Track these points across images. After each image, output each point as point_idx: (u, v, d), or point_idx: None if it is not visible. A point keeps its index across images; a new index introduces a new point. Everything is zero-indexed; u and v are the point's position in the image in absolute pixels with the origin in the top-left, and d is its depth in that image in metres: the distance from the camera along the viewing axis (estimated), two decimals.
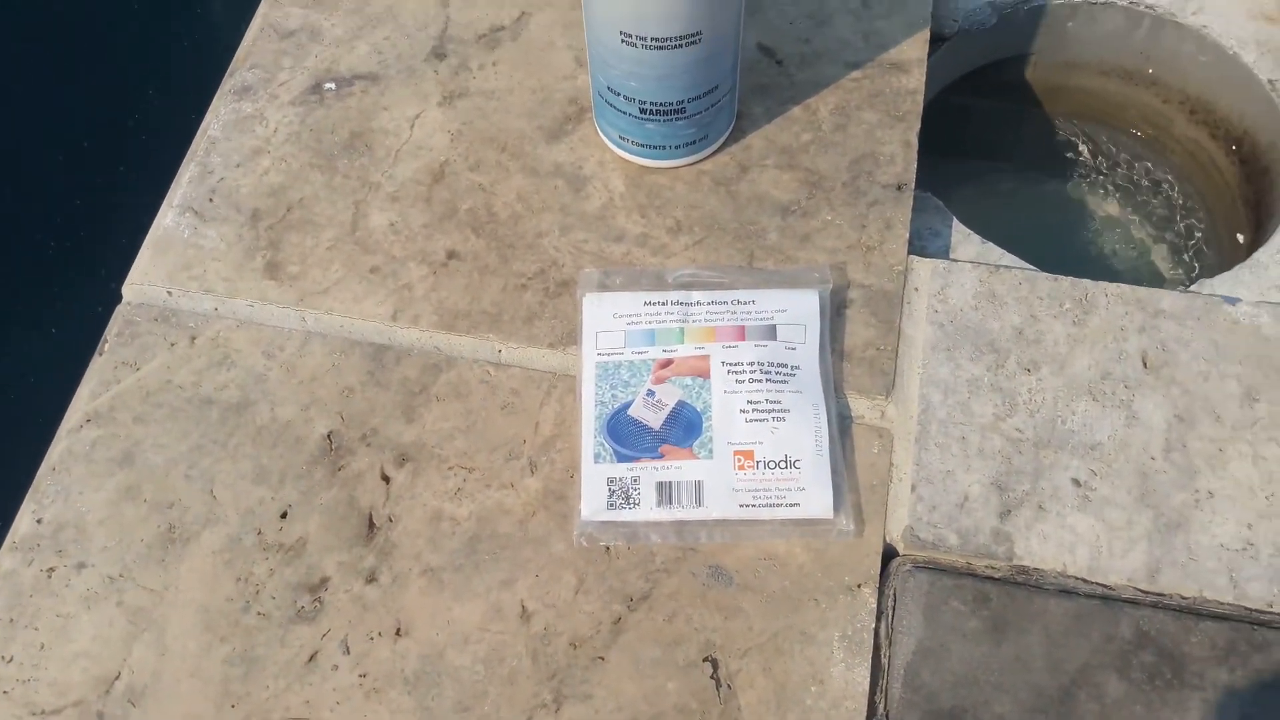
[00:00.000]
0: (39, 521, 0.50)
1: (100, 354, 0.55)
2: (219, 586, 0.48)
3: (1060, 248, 0.79)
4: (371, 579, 0.48)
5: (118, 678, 0.46)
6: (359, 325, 0.55)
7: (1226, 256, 0.72)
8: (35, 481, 0.52)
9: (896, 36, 0.61)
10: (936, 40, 0.68)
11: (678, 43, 0.49)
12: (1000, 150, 0.82)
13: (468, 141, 0.60)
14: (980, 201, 0.81)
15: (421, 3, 0.65)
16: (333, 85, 0.62)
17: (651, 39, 0.49)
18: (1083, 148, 0.80)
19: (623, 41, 0.50)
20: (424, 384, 0.53)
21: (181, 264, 0.57)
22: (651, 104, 0.53)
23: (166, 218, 0.58)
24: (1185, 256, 0.77)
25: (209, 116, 0.62)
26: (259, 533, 0.49)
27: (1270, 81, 0.66)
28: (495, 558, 0.48)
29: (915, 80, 0.60)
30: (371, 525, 0.50)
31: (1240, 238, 0.71)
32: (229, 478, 0.51)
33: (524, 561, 0.48)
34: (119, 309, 0.56)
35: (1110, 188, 0.80)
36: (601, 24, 0.50)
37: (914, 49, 0.61)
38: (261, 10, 0.66)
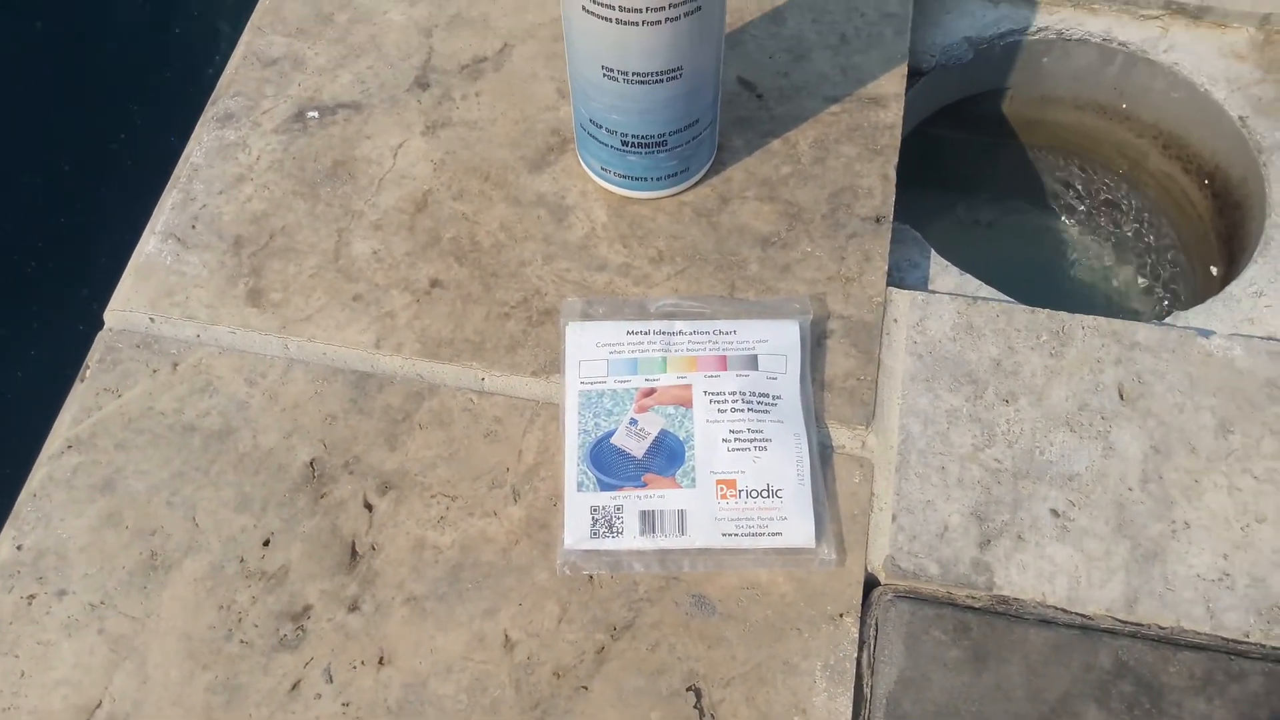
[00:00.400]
0: (19, 548, 0.50)
1: (82, 380, 0.55)
2: (201, 614, 0.48)
3: (1037, 279, 0.80)
4: (354, 607, 0.48)
5: (99, 706, 0.46)
6: (342, 353, 0.55)
7: (1200, 289, 0.74)
8: (15, 508, 0.51)
9: (874, 71, 0.62)
10: (914, 74, 0.69)
11: (659, 78, 0.50)
12: (978, 182, 0.83)
13: (451, 171, 0.60)
14: (958, 232, 0.82)
15: (404, 33, 0.65)
16: (316, 114, 0.62)
17: (633, 74, 0.50)
18: (1059, 180, 0.81)
19: (605, 76, 0.50)
20: (407, 412, 0.53)
21: (164, 290, 0.57)
22: (633, 137, 0.54)
23: (149, 244, 0.58)
24: (1160, 288, 0.78)
25: (191, 144, 0.62)
26: (241, 560, 0.49)
27: (1240, 118, 0.68)
28: (478, 586, 0.48)
29: (893, 114, 0.61)
30: (354, 553, 0.49)
31: (1214, 270, 0.73)
32: (211, 505, 0.51)
33: (507, 590, 0.48)
34: (101, 335, 0.56)
35: (1086, 219, 0.81)
36: (584, 58, 0.51)
37: (892, 84, 0.62)
38: (245, 38, 0.66)
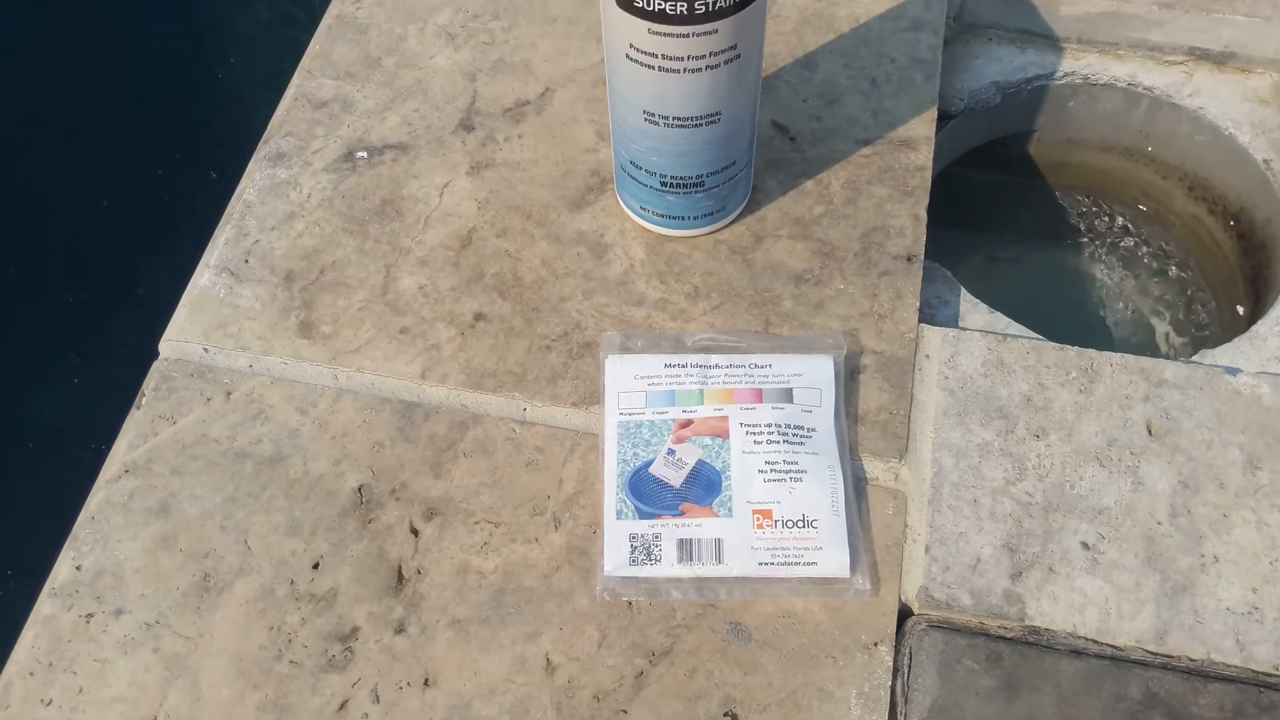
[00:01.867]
0: (78, 568, 0.52)
1: (138, 407, 0.57)
2: (252, 635, 0.49)
3: (1066, 316, 0.81)
4: (400, 630, 0.49)
5: None
6: (389, 383, 0.56)
7: (1228, 327, 0.74)
8: (74, 530, 0.53)
9: (905, 115, 0.64)
10: (944, 117, 0.71)
11: (698, 122, 0.52)
12: (1007, 221, 0.85)
13: (494, 209, 0.62)
14: (988, 270, 0.84)
15: (450, 78, 0.68)
16: (365, 154, 0.65)
17: (674, 118, 0.52)
18: (1086, 220, 0.83)
19: (646, 120, 0.52)
20: (451, 440, 0.55)
21: (217, 322, 0.59)
22: (672, 178, 0.56)
23: (203, 277, 0.61)
24: (1188, 327, 0.79)
25: (244, 181, 0.65)
26: (291, 583, 0.51)
27: (1265, 161, 0.69)
28: (520, 611, 0.50)
29: (923, 156, 0.63)
30: (401, 577, 0.51)
31: (1240, 309, 0.74)
32: (263, 529, 0.53)
33: (548, 615, 0.50)
34: (156, 364, 0.58)
35: (1114, 259, 0.83)
36: (626, 103, 0.53)
37: (922, 127, 0.64)
38: (295, 81, 0.69)
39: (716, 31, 0.48)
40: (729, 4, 0.47)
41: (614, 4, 0.48)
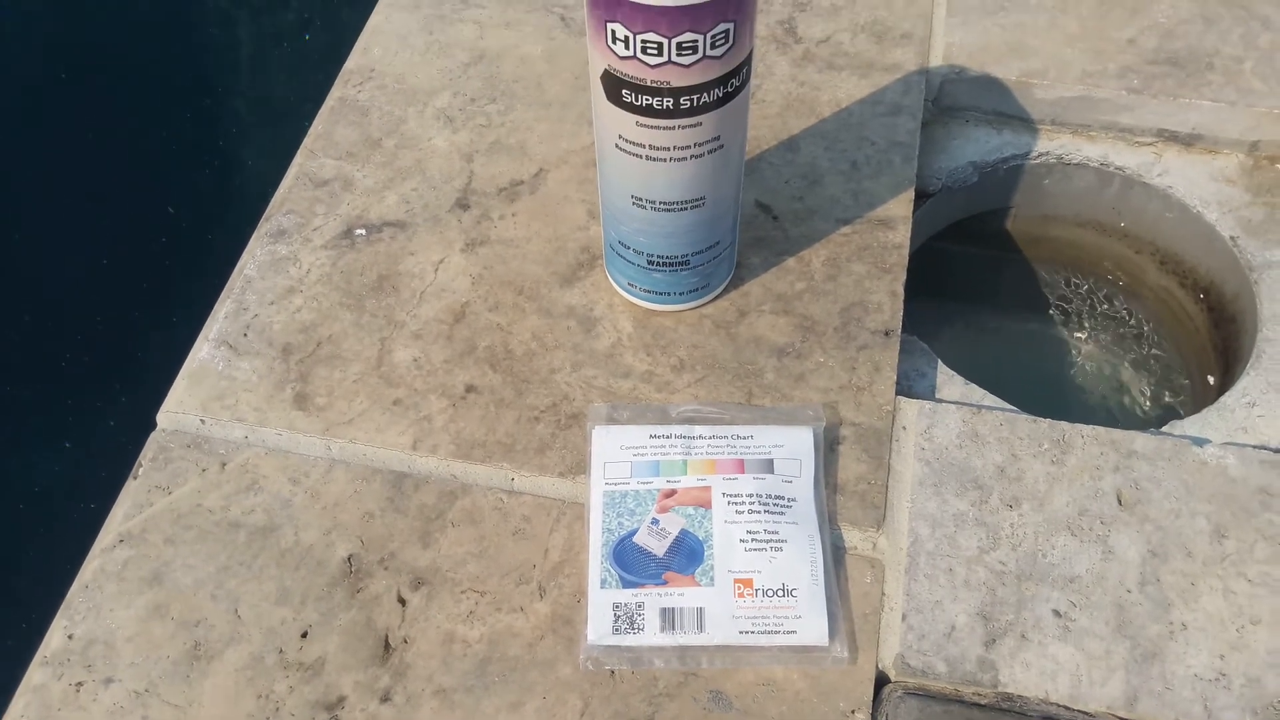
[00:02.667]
0: (70, 637, 0.53)
1: (135, 478, 0.58)
2: (240, 703, 0.50)
3: (1042, 385, 0.83)
4: (386, 698, 0.50)
5: None
6: (381, 454, 0.58)
7: (1199, 397, 0.76)
8: (68, 598, 0.54)
9: (883, 195, 0.67)
10: (923, 196, 0.74)
11: (683, 206, 0.54)
12: (986, 293, 0.87)
13: (488, 285, 0.64)
14: (967, 340, 0.86)
15: (447, 158, 0.70)
16: (363, 231, 0.67)
17: (660, 202, 0.54)
18: (1061, 292, 0.85)
19: (633, 204, 0.55)
20: (440, 510, 0.56)
21: (215, 394, 0.61)
22: (658, 257, 0.58)
23: (202, 350, 0.63)
24: (1160, 397, 0.81)
25: (245, 257, 0.67)
26: (280, 651, 0.52)
27: (1232, 238, 0.71)
28: (504, 680, 0.51)
29: (901, 235, 0.65)
30: (387, 646, 0.52)
31: (1211, 380, 0.76)
32: (253, 598, 0.54)
33: (531, 684, 0.51)
34: (154, 435, 0.60)
35: (1089, 330, 0.85)
36: (614, 188, 0.55)
37: (899, 207, 0.66)
38: (298, 160, 0.71)
39: (700, 124, 0.50)
40: (712, 99, 0.49)
41: (604, 98, 0.50)
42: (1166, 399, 0.81)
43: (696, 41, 0.46)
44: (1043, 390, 0.83)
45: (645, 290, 0.61)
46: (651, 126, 0.50)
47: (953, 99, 0.76)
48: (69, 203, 1.47)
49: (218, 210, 1.39)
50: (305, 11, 1.69)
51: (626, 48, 0.47)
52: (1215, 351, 0.76)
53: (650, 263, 0.59)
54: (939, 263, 0.81)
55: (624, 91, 0.49)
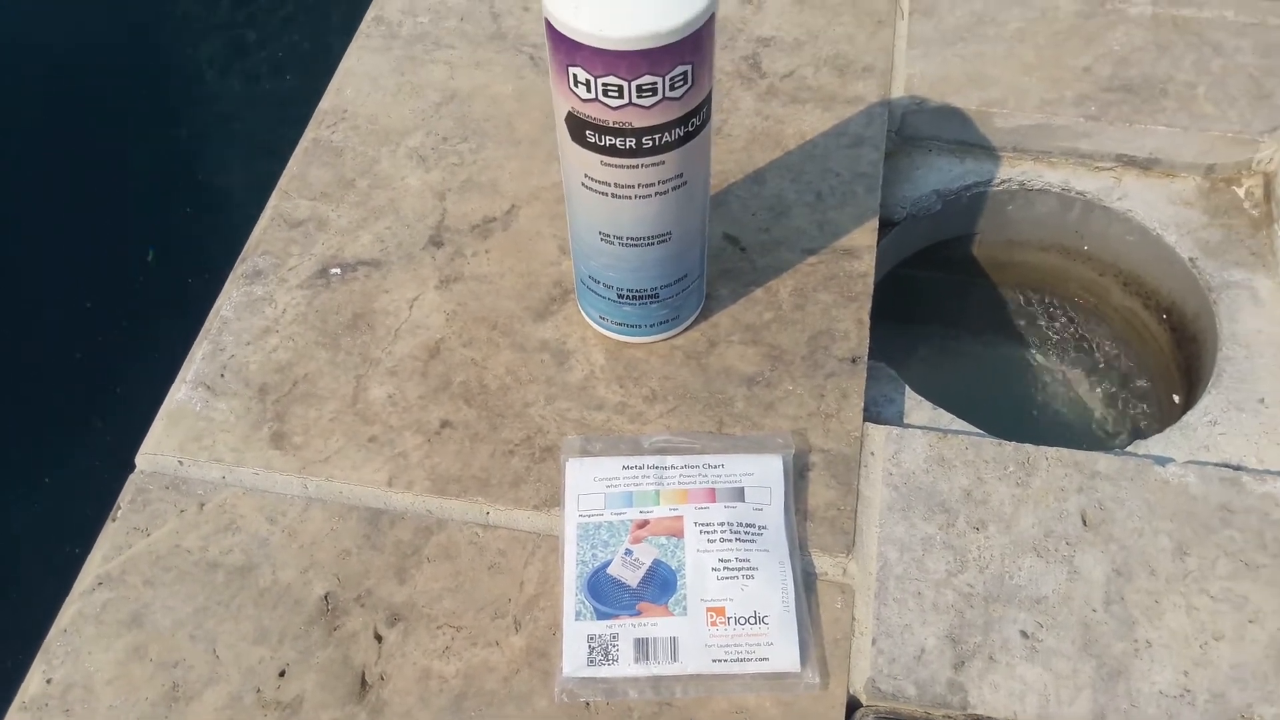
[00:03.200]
0: (48, 681, 0.53)
1: (113, 520, 0.59)
2: None
3: (1011, 407, 0.84)
4: None
5: None
6: (357, 491, 0.59)
7: (1165, 415, 0.78)
8: (46, 643, 0.55)
9: (848, 225, 0.68)
10: (888, 224, 0.75)
11: (650, 241, 0.56)
12: (954, 317, 0.89)
13: (462, 321, 0.65)
14: (937, 364, 0.87)
15: (420, 197, 0.71)
16: (338, 270, 0.68)
17: (627, 238, 0.55)
18: (1028, 315, 0.87)
19: (601, 240, 0.56)
20: (416, 546, 0.57)
21: (193, 435, 0.61)
22: (628, 290, 0.59)
23: (180, 392, 0.63)
24: (1127, 416, 0.83)
25: (221, 298, 0.68)
26: (258, 691, 0.52)
27: (1191, 259, 0.73)
28: (481, 715, 0.51)
29: (866, 264, 0.67)
30: (364, 683, 0.52)
31: (1176, 398, 0.77)
32: (231, 638, 0.54)
33: (507, 718, 0.51)
34: (132, 477, 0.61)
35: (1056, 351, 0.86)
36: (583, 225, 0.56)
37: (864, 236, 0.68)
38: (272, 201, 0.72)
39: (663, 162, 0.52)
40: (673, 139, 0.51)
41: (569, 139, 0.52)
42: (1133, 418, 0.82)
43: (656, 84, 0.47)
44: (1012, 412, 0.84)
45: (616, 323, 0.62)
46: (616, 165, 0.51)
47: (915, 129, 0.78)
48: (49, 244, 1.47)
49: (200, 250, 1.40)
50: (281, 52, 1.71)
51: (588, 91, 0.48)
52: (1179, 370, 0.77)
53: (620, 296, 0.60)
54: (907, 289, 0.82)
55: (588, 132, 0.50)
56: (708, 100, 0.51)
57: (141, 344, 1.32)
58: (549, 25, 0.47)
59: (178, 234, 1.48)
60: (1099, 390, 0.84)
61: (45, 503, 1.27)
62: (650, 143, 0.50)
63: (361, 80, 0.78)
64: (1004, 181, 0.78)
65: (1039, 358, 0.86)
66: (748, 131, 0.74)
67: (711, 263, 0.66)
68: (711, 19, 0.47)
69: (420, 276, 0.67)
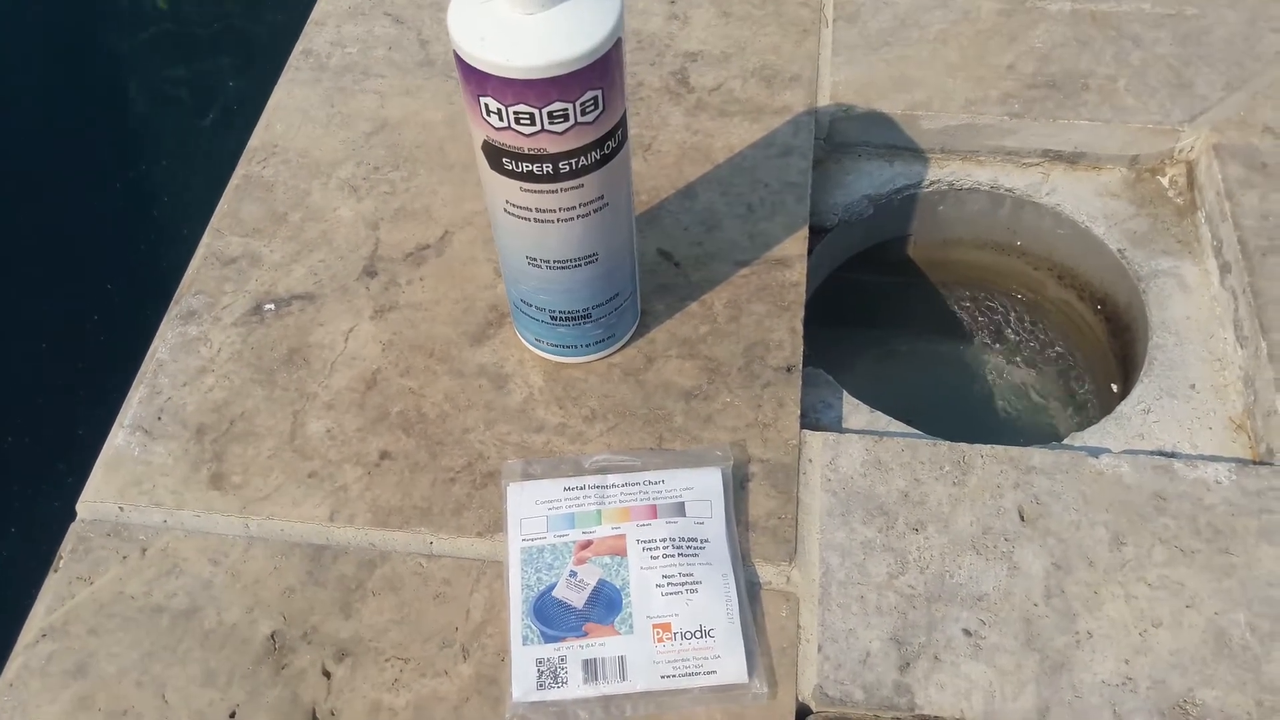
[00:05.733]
0: None
1: (55, 570, 0.58)
2: None
3: (957, 405, 0.85)
4: None
5: None
6: (298, 528, 0.59)
7: (1105, 404, 0.79)
8: None
9: (779, 235, 0.69)
10: (821, 231, 0.76)
11: (577, 263, 0.56)
12: (894, 319, 0.90)
13: (398, 350, 0.65)
14: (881, 366, 0.88)
15: (353, 227, 0.71)
16: (272, 306, 0.68)
17: (554, 261, 0.56)
18: (968, 311, 0.88)
19: (529, 263, 0.56)
20: (360, 580, 0.57)
21: (132, 480, 0.61)
22: (561, 312, 0.59)
23: (118, 437, 0.63)
24: (1069, 405, 0.84)
25: (156, 340, 0.67)
26: None
27: (1119, 250, 0.74)
28: None
29: (797, 274, 0.67)
30: (315, 719, 0.52)
31: (1114, 387, 0.78)
32: (179, 681, 0.54)
33: None
34: (73, 526, 0.60)
35: (997, 346, 0.87)
36: (510, 249, 0.57)
37: (795, 246, 0.68)
38: (205, 240, 0.72)
39: (582, 185, 0.52)
40: (590, 162, 0.51)
41: (488, 167, 0.52)
42: (1075, 408, 0.84)
43: (567, 110, 0.48)
44: (958, 410, 0.85)
45: (552, 344, 0.63)
46: (535, 191, 0.52)
47: (843, 135, 0.78)
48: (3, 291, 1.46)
49: (151, 292, 1.39)
50: (216, 88, 1.70)
51: (501, 119, 0.48)
52: (1115, 359, 0.78)
53: (554, 318, 0.60)
54: (846, 293, 0.83)
55: (505, 160, 0.50)
56: (622, 122, 0.52)
57: (91, 390, 1.31)
58: (457, 57, 0.47)
59: (127, 275, 1.47)
60: (1041, 383, 0.86)
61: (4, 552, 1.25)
62: (568, 167, 0.50)
63: (291, 114, 0.78)
64: (934, 182, 0.79)
65: (980, 354, 0.87)
66: (677, 147, 0.74)
67: (646, 278, 0.67)
68: (618, 44, 0.48)
69: (355, 308, 0.67)
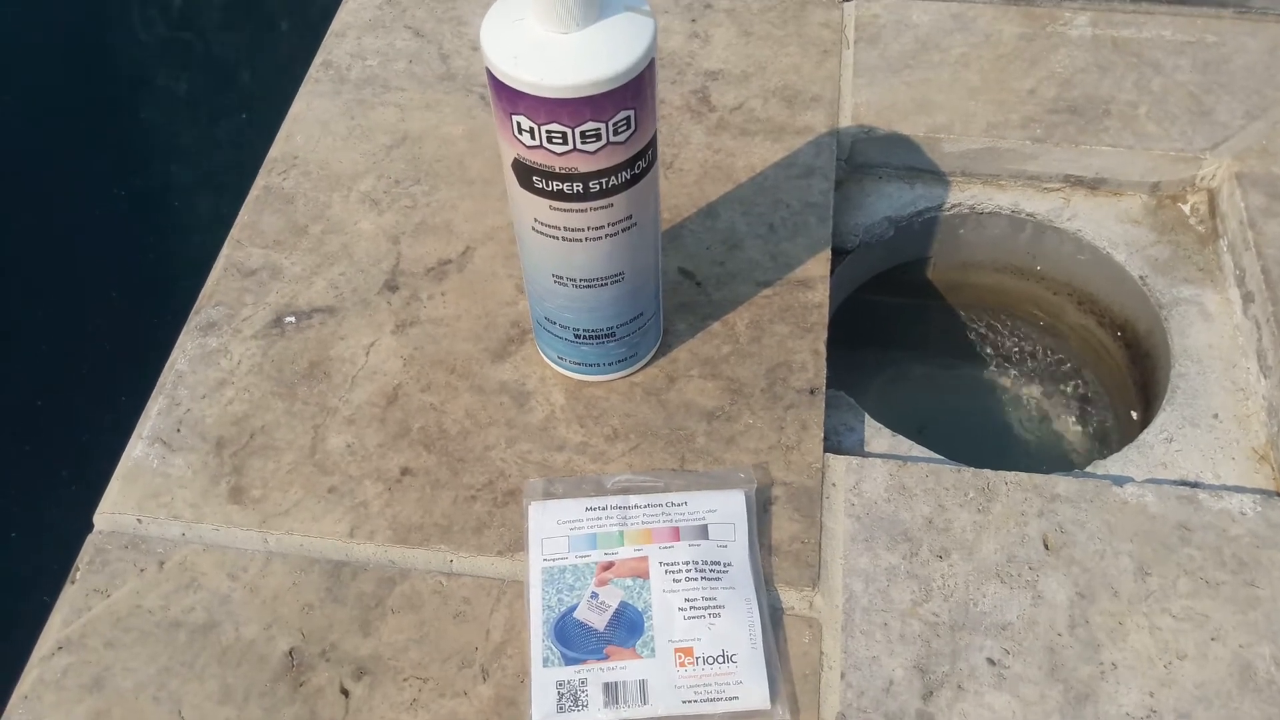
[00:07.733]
0: None
1: (72, 582, 0.58)
2: None
3: (974, 430, 0.85)
4: None
5: None
6: (318, 544, 0.58)
7: (1125, 432, 0.79)
8: (6, 711, 0.53)
9: (801, 256, 0.69)
10: (842, 252, 0.76)
11: (603, 282, 0.56)
12: (912, 341, 0.89)
13: (419, 365, 0.65)
14: (897, 388, 0.88)
15: (374, 241, 0.71)
16: (293, 319, 0.67)
17: (580, 279, 0.55)
18: (986, 335, 0.87)
19: (555, 282, 0.56)
20: (379, 597, 0.56)
21: (150, 492, 0.60)
22: (584, 330, 0.59)
23: (136, 449, 0.62)
24: (1087, 433, 0.84)
25: (176, 352, 0.67)
26: None
27: (1140, 277, 0.74)
28: None
29: (820, 295, 0.67)
30: None
31: (1134, 415, 0.78)
32: (196, 698, 0.53)
33: None
34: (90, 538, 0.60)
35: (1016, 371, 0.87)
36: (536, 267, 0.56)
37: (817, 267, 0.68)
38: (225, 251, 0.72)
39: (612, 205, 0.52)
40: (620, 182, 0.51)
41: (517, 184, 0.52)
42: (1094, 435, 0.83)
43: (599, 129, 0.47)
44: (975, 434, 0.84)
45: (575, 363, 0.62)
46: (564, 210, 0.51)
47: (864, 157, 0.78)
48: (7, 290, 1.46)
49: (163, 299, 1.39)
50: (238, 98, 1.71)
51: (532, 138, 0.48)
52: (1135, 387, 0.78)
53: (577, 336, 0.60)
54: (865, 315, 0.83)
55: (535, 178, 0.50)
56: (653, 142, 0.51)
57: (108, 398, 1.30)
58: (490, 75, 0.47)
59: (141, 282, 1.47)
60: (1059, 409, 0.85)
61: (12, 560, 1.25)
62: (598, 186, 0.50)
63: (311, 126, 0.78)
64: (955, 205, 0.79)
65: (998, 377, 0.87)
66: (699, 165, 0.74)
67: (668, 297, 0.66)
68: (652, 64, 0.48)
69: (376, 322, 0.67)
